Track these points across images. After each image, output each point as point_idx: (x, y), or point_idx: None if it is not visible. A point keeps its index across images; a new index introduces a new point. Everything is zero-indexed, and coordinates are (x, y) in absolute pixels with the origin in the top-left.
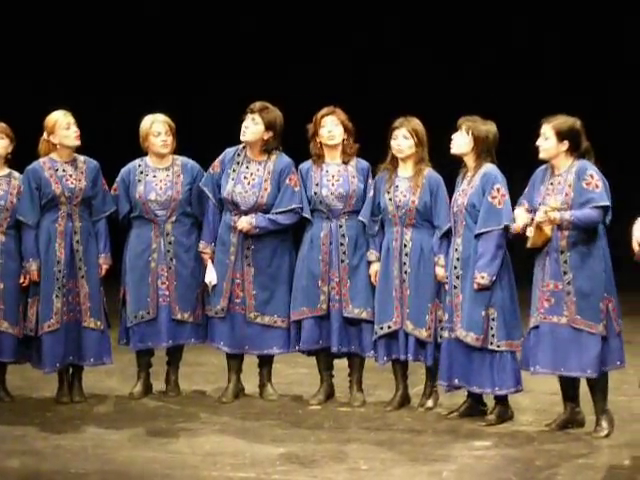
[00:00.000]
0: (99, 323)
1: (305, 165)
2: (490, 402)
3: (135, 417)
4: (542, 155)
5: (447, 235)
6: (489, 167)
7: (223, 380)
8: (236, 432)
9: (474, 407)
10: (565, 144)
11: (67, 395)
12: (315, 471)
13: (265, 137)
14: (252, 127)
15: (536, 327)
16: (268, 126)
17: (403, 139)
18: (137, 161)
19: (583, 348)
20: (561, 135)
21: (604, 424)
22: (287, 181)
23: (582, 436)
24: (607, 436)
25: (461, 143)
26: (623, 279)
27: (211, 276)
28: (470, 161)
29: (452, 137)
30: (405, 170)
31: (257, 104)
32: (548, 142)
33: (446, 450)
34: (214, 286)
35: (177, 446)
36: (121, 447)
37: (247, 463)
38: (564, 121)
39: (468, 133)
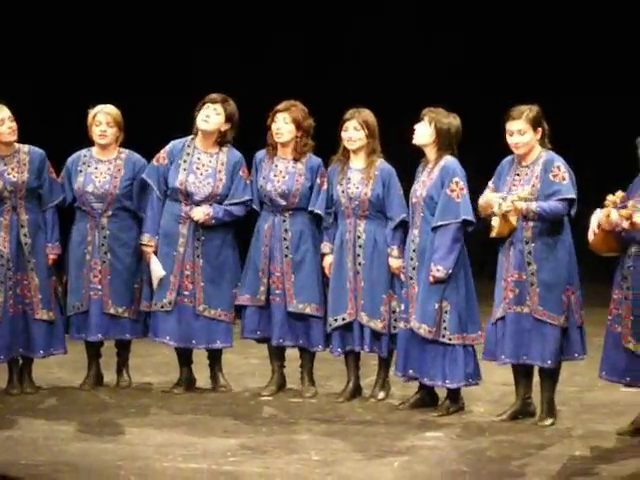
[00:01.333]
0: (51, 314)
1: (260, 154)
2: (442, 393)
3: (86, 408)
4: (521, 150)
5: (401, 226)
6: (449, 160)
7: (174, 371)
8: (188, 423)
9: (426, 398)
10: (539, 132)
11: (17, 387)
12: (267, 462)
13: (223, 128)
14: (214, 117)
15: (502, 318)
16: (228, 118)
17: (354, 131)
18: (84, 151)
19: (544, 339)
20: (535, 124)
21: (549, 414)
22: (240, 173)
23: (533, 427)
24: (551, 425)
25: (423, 134)
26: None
27: (158, 269)
28: (431, 153)
29: (414, 127)
30: (357, 162)
31: (218, 95)
32: (526, 136)
33: (398, 441)
34: (161, 279)
35: (128, 437)
36: (72, 439)
37: (199, 454)
38: (531, 110)
39: (431, 124)
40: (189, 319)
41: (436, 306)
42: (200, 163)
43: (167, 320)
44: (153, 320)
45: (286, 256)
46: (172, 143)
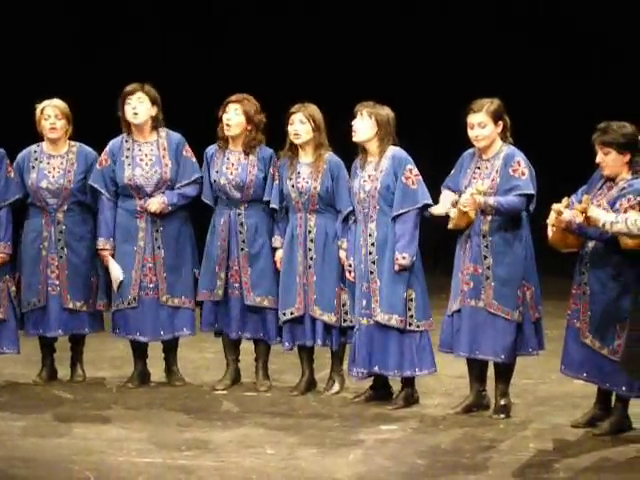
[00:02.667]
0: (1, 315)
1: (210, 149)
2: (396, 385)
3: (40, 403)
4: (482, 143)
5: (350, 218)
6: (396, 149)
7: (129, 365)
8: (142, 417)
9: (380, 391)
10: (500, 125)
11: None
12: (221, 456)
13: (153, 113)
14: (140, 107)
15: (458, 311)
16: (153, 101)
17: (300, 124)
18: (33, 147)
19: (498, 333)
20: (495, 117)
21: (503, 407)
22: (184, 153)
23: (488, 419)
24: (506, 418)
25: (365, 129)
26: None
27: (118, 272)
28: (374, 146)
29: (353, 124)
30: (305, 156)
31: (135, 85)
32: (487, 129)
33: (352, 434)
34: (121, 281)
35: (83, 432)
36: (27, 434)
37: (153, 448)
38: (492, 103)
39: (370, 118)
40: (154, 311)
41: (404, 295)
42: (143, 154)
43: (134, 316)
44: (120, 318)
45: (242, 249)
46: (111, 143)
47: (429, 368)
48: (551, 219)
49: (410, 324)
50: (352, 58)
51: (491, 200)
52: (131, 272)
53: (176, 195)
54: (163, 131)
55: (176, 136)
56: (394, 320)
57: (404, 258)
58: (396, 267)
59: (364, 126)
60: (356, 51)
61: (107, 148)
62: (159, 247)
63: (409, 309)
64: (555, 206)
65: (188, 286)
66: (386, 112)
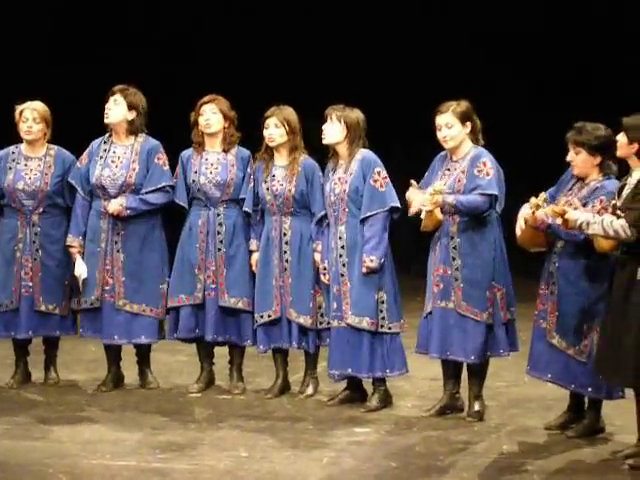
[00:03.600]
0: None
1: (186, 153)
2: (370, 388)
3: (14, 406)
4: (450, 144)
5: (324, 221)
6: (365, 152)
7: (102, 368)
8: (116, 420)
9: (354, 393)
10: (468, 126)
11: None
12: (196, 459)
13: (129, 118)
14: (114, 108)
15: (431, 312)
16: (130, 106)
17: (274, 128)
18: (12, 148)
19: (468, 334)
20: (463, 118)
21: (477, 409)
22: (156, 160)
23: (461, 422)
24: (479, 420)
25: (334, 132)
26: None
27: (81, 270)
28: (343, 149)
29: (323, 128)
30: (280, 159)
31: (117, 86)
32: (454, 129)
33: (326, 437)
34: (84, 280)
35: (57, 435)
36: (0, 437)
37: (127, 451)
38: (459, 104)
39: (340, 121)
40: (111, 314)
41: (375, 297)
42: (115, 156)
43: (95, 317)
44: (83, 317)
45: (219, 250)
46: (92, 142)
47: (400, 370)
48: (525, 213)
49: (382, 326)
50: (327, 60)
51: (450, 198)
52: (95, 272)
53: (137, 200)
54: (142, 137)
55: (152, 142)
56: (365, 323)
57: (372, 261)
58: (364, 270)
59: (333, 130)
60: (332, 53)
61: (89, 147)
62: (118, 251)
63: (381, 311)
64: (533, 200)
65: (152, 295)
66: (356, 115)
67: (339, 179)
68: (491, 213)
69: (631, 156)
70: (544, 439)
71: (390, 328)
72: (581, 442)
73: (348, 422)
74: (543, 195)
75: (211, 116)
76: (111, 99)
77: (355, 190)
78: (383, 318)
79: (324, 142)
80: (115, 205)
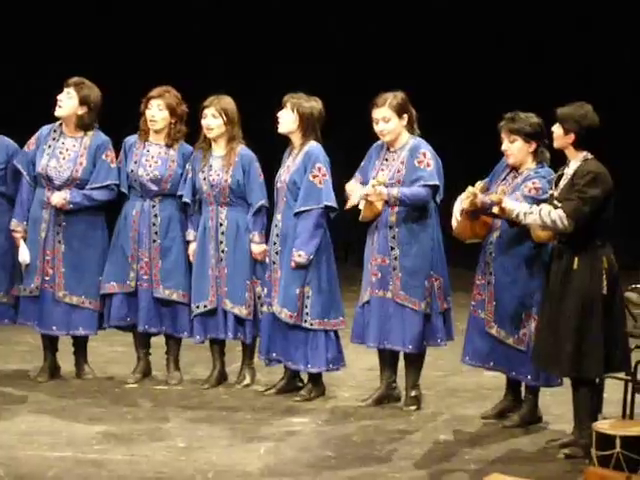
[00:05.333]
0: None
1: (130, 140)
2: (307, 378)
3: None
4: (387, 138)
5: (260, 212)
6: (313, 145)
7: (39, 359)
8: (52, 411)
9: (291, 383)
10: (405, 118)
11: None
12: (132, 449)
13: (79, 112)
14: (66, 101)
15: (368, 302)
16: (82, 101)
17: (212, 118)
18: None
19: (406, 323)
20: (400, 111)
21: (414, 399)
22: (103, 157)
23: (398, 411)
24: (416, 409)
25: (287, 121)
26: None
27: (24, 255)
28: (297, 139)
29: (278, 115)
30: (218, 149)
31: (73, 79)
32: (391, 123)
33: (264, 427)
34: (27, 265)
35: None
36: None
37: (64, 442)
38: (395, 97)
39: (293, 111)
40: (50, 305)
41: (297, 291)
42: (64, 148)
43: (34, 305)
44: (22, 305)
45: (154, 241)
46: (42, 128)
47: (320, 366)
48: (459, 205)
49: (305, 321)
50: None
51: (394, 191)
52: (36, 261)
53: (81, 195)
54: (92, 132)
55: (101, 138)
56: (284, 314)
57: (300, 256)
58: (292, 263)
59: (287, 118)
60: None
61: (37, 133)
62: (60, 241)
63: (305, 306)
64: (470, 189)
65: (91, 287)
66: (311, 105)
67: (287, 167)
68: (429, 203)
69: (568, 147)
70: (481, 428)
71: (312, 324)
72: (518, 431)
73: (285, 412)
74: (480, 183)
75: (157, 112)
76: (65, 91)
77: (294, 182)
78: (307, 313)
79: (279, 130)
80: (58, 198)
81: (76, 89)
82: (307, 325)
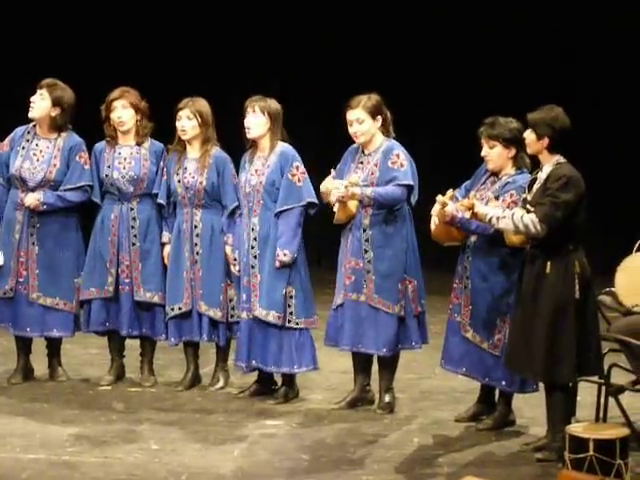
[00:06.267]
0: None
1: (99, 146)
2: (280, 381)
3: None
4: (362, 139)
5: (234, 214)
6: (285, 146)
7: (12, 361)
8: (26, 413)
9: (264, 386)
10: (379, 120)
11: None
12: (106, 452)
13: (53, 114)
14: (39, 103)
15: (341, 305)
16: (55, 102)
17: (187, 120)
18: None
19: (380, 327)
20: (374, 113)
21: (387, 402)
22: (77, 158)
23: (372, 414)
24: (390, 413)
25: (258, 125)
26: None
27: None
28: (266, 141)
29: (245, 122)
30: (193, 151)
31: (46, 80)
32: (365, 125)
33: (237, 429)
34: (1, 267)
35: None
36: None
37: (37, 444)
38: (369, 98)
39: (264, 113)
40: (24, 306)
41: (283, 292)
42: (38, 149)
43: (7, 307)
44: None
45: (134, 244)
46: (16, 130)
47: (307, 365)
48: (435, 210)
49: (289, 321)
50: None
51: (368, 191)
52: (10, 262)
53: (54, 196)
54: (66, 133)
55: (75, 139)
56: (271, 316)
57: (285, 255)
58: (277, 263)
59: (258, 122)
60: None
61: (12, 134)
62: (33, 243)
63: (289, 306)
64: (439, 198)
65: (67, 289)
66: (276, 106)
67: (256, 171)
68: (403, 206)
69: (542, 151)
70: (455, 431)
71: (298, 323)
72: (492, 434)
73: (259, 415)
74: (450, 192)
75: (122, 113)
76: (37, 92)
77: (272, 183)
78: (291, 313)
79: (249, 136)
80: (32, 199)
81: (49, 90)
82: (292, 325)
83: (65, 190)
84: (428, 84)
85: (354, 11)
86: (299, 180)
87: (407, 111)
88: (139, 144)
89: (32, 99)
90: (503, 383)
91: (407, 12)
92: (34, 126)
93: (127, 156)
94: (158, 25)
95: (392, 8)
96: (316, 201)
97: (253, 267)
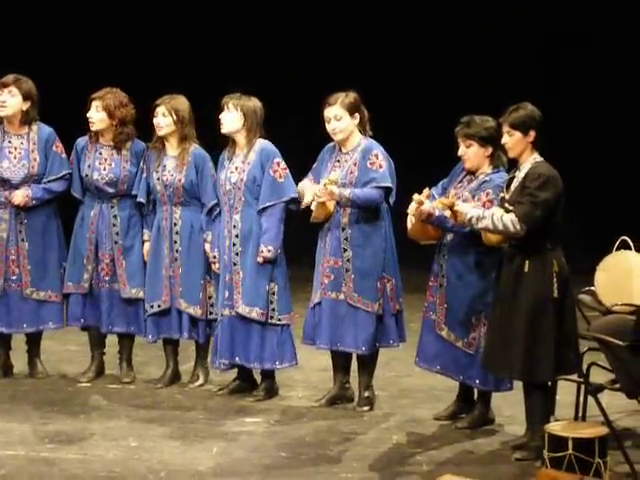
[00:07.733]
0: None
1: (81, 141)
2: (259, 378)
3: None
4: (339, 136)
5: (214, 211)
6: (264, 142)
7: None
8: (4, 410)
9: (244, 383)
10: (357, 117)
11: None
12: (85, 449)
13: (24, 108)
14: (10, 100)
15: (319, 303)
16: (26, 96)
17: (162, 117)
18: None
19: (359, 325)
20: (351, 110)
21: (366, 400)
22: (54, 148)
23: (351, 412)
24: (369, 410)
25: (232, 121)
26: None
27: None
28: (242, 138)
29: (220, 117)
30: (171, 149)
31: (9, 77)
32: (343, 122)
33: (216, 427)
34: None
35: None
36: None
37: (16, 441)
38: (347, 95)
39: (237, 109)
40: (18, 304)
41: (267, 288)
42: (12, 147)
43: None
44: None
45: (116, 242)
46: None
47: (290, 361)
48: (412, 209)
49: (271, 317)
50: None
51: (346, 192)
52: None
53: (41, 189)
54: (35, 125)
55: (47, 130)
56: (255, 313)
57: (269, 251)
58: (260, 259)
59: (231, 118)
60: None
61: None
62: (23, 239)
63: (271, 302)
64: (416, 197)
65: (55, 280)
66: (253, 103)
67: (236, 168)
68: (382, 205)
69: (527, 148)
70: (434, 429)
71: (280, 320)
72: (470, 433)
73: (238, 412)
74: (427, 191)
75: (94, 114)
76: (5, 91)
77: (253, 180)
78: (274, 309)
79: (222, 131)
80: (21, 197)
81: (16, 85)
82: (275, 321)
83: (49, 182)
84: (404, 82)
85: (335, 8)
86: (280, 176)
87: (385, 110)
88: (118, 147)
89: (2, 98)
90: (477, 381)
91: (387, 10)
92: (1, 124)
93: (107, 157)
94: (158, 25)
95: (371, 5)
96: (298, 196)
97: (235, 264)
